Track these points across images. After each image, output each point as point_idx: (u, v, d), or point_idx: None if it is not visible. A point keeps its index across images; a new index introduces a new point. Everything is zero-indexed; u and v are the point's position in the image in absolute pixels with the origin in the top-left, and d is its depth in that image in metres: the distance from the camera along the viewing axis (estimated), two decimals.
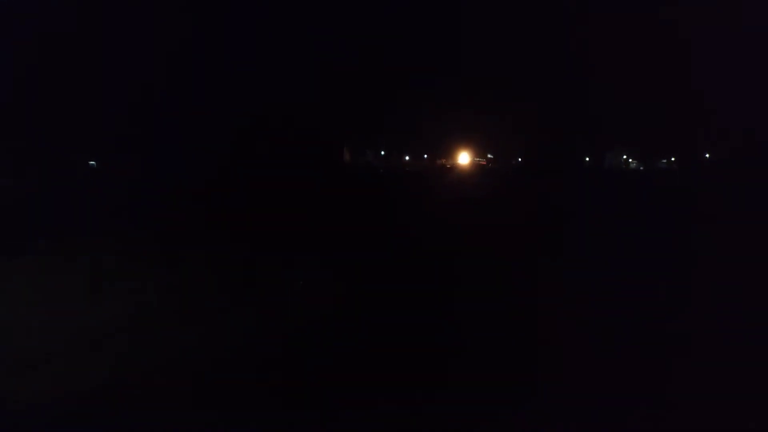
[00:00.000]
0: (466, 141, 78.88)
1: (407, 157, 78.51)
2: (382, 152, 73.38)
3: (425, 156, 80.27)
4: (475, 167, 72.55)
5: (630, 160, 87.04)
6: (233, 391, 4.39)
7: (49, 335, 5.31)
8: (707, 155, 71.50)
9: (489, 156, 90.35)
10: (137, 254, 9.76)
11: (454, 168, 68.08)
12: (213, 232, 12.49)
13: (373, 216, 16.81)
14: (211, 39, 46.54)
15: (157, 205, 18.66)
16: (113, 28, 39.18)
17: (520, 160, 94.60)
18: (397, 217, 17.02)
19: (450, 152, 78.45)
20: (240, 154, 41.19)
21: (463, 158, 73.16)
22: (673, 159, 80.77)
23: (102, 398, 4.20)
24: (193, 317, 6.05)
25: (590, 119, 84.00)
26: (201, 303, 6.69)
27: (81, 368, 4.67)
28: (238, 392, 4.39)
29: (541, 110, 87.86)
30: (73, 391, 4.26)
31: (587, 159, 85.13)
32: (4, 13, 33.55)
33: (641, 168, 77.62)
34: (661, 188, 32.09)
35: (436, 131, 72.12)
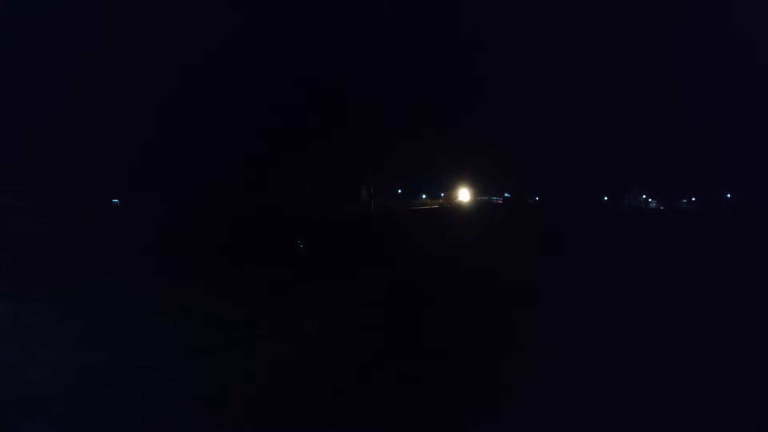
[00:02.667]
0: (483, 181, 79.68)
1: (423, 196, 79.43)
2: (399, 191, 74.45)
3: (441, 195, 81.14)
4: (491, 206, 72.97)
5: (650, 200, 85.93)
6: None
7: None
8: (728, 195, 70.46)
9: (506, 195, 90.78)
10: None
11: (466, 205, 68.82)
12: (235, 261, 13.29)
13: (381, 245, 17.93)
14: (241, 85, 48.81)
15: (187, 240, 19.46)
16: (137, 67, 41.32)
17: (537, 198, 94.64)
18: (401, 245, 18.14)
19: (466, 191, 79.04)
20: (259, 193, 42.59)
21: (464, 195, 74.89)
22: (693, 199, 79.42)
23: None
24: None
25: (609, 158, 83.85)
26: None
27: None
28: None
29: (557, 150, 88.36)
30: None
31: (605, 198, 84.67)
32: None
33: (661, 208, 76.65)
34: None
35: (452, 172, 73.25)
